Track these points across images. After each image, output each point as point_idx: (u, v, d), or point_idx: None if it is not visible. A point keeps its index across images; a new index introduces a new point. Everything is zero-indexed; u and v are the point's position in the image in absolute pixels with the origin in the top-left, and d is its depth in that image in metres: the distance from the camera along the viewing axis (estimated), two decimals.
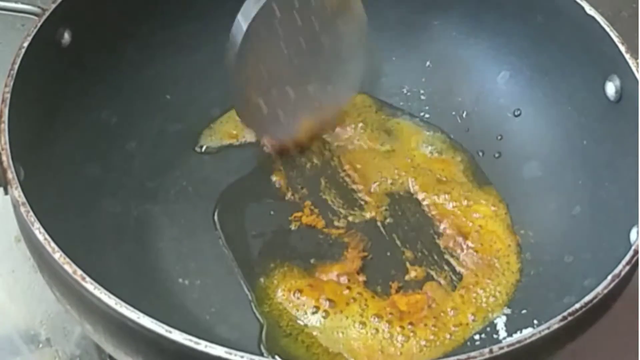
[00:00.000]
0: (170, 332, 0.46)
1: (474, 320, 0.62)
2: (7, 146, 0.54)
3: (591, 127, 0.65)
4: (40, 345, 0.64)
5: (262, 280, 0.63)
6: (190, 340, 0.46)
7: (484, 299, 0.63)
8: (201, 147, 0.71)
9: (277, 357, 0.59)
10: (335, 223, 0.67)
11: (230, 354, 0.45)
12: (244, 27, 0.61)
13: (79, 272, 0.49)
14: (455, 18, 0.73)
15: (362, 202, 0.69)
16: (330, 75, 0.69)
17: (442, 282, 0.64)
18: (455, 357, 0.46)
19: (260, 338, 0.60)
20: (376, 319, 0.61)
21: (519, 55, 0.71)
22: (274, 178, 0.70)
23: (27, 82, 0.58)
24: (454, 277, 0.64)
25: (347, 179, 0.70)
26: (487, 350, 0.46)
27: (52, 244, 0.50)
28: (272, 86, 0.65)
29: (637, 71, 0.59)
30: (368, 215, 0.68)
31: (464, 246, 0.66)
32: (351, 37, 0.67)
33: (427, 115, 0.74)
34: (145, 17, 0.68)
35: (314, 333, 0.61)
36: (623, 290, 0.52)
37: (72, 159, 0.63)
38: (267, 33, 0.62)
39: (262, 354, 0.59)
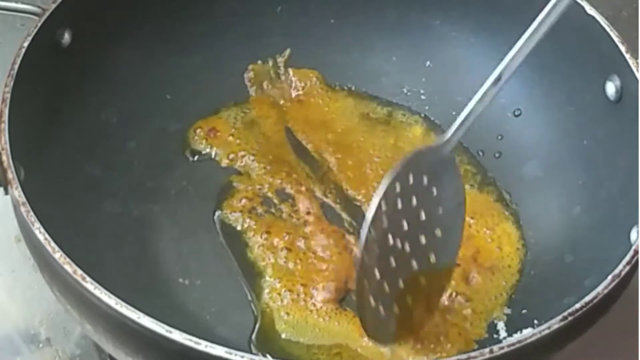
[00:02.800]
0: (170, 332, 0.46)
1: (472, 321, 0.62)
2: (7, 146, 0.54)
3: (591, 127, 0.65)
4: (40, 345, 0.64)
5: (262, 279, 0.63)
6: (191, 340, 0.46)
7: (484, 299, 0.63)
8: (200, 147, 0.71)
9: (276, 357, 0.59)
10: (335, 224, 0.67)
11: (231, 354, 0.45)
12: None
13: (79, 272, 0.49)
14: (455, 18, 0.73)
15: (362, 204, 0.69)
16: (432, 249, 0.58)
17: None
18: (456, 357, 0.47)
19: (251, 338, 0.60)
20: None
21: None
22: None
23: (27, 82, 0.58)
24: (453, 277, 0.64)
25: (346, 179, 0.70)
26: (487, 350, 0.47)
27: (52, 244, 0.50)
28: (386, 285, 0.56)
29: (637, 71, 0.59)
30: None
31: (464, 246, 0.66)
32: (448, 205, 0.58)
33: (427, 115, 0.74)
34: (145, 17, 0.68)
35: (314, 332, 0.61)
36: (623, 290, 0.52)
37: (72, 158, 0.63)
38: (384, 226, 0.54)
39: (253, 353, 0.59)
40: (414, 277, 0.57)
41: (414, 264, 0.57)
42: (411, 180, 0.56)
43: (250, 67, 0.75)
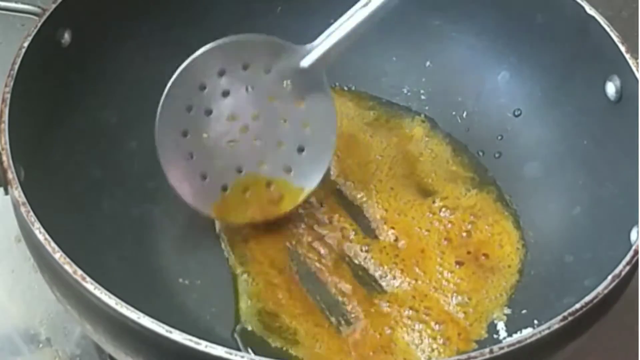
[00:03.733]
0: (170, 332, 0.46)
1: (472, 321, 0.62)
2: (7, 146, 0.54)
3: (591, 127, 0.65)
4: (40, 345, 0.64)
5: None
6: (191, 341, 0.46)
7: (484, 299, 0.63)
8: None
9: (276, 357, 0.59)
10: (335, 222, 0.67)
11: (231, 354, 0.45)
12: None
13: (79, 272, 0.49)
14: (455, 18, 0.73)
15: (362, 204, 0.69)
16: (290, 162, 0.64)
17: (443, 281, 0.64)
18: (456, 357, 0.46)
19: (233, 336, 0.60)
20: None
21: (519, 55, 0.71)
22: None
23: (27, 82, 0.58)
24: (454, 277, 0.64)
25: (346, 180, 0.70)
26: (487, 350, 0.46)
27: (52, 244, 0.50)
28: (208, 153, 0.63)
29: (637, 71, 0.59)
30: (370, 218, 0.68)
31: (464, 246, 0.66)
32: (317, 129, 0.64)
33: (427, 115, 0.74)
34: (145, 17, 0.68)
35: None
36: (623, 291, 0.52)
37: (72, 158, 0.63)
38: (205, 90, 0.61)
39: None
40: (256, 175, 0.64)
41: (262, 161, 0.64)
42: (262, 69, 0.61)
43: None
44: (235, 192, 0.64)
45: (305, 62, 0.62)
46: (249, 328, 0.60)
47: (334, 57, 0.62)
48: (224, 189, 0.63)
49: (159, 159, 0.62)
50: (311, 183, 0.65)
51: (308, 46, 0.62)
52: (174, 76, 0.60)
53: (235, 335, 0.60)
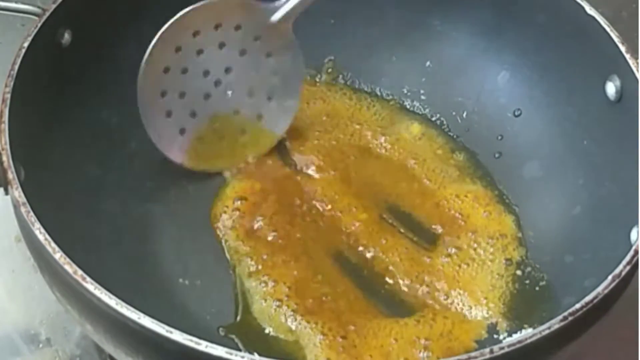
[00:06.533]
0: (171, 332, 0.46)
1: (472, 321, 0.62)
2: (7, 146, 0.54)
3: (591, 127, 0.65)
4: (40, 345, 0.64)
5: None
6: (191, 341, 0.46)
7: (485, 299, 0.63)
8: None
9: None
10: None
11: (231, 354, 0.45)
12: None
13: (80, 272, 0.49)
14: (455, 18, 0.73)
15: (360, 204, 0.69)
16: (262, 109, 0.69)
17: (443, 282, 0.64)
18: (456, 357, 0.46)
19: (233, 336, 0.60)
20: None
21: (519, 55, 0.71)
22: None
23: (27, 82, 0.58)
24: (455, 276, 0.64)
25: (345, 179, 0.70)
26: (487, 350, 0.46)
27: (53, 244, 0.50)
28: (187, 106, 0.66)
29: (637, 71, 0.59)
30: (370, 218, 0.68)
31: (465, 246, 0.66)
32: (285, 75, 0.68)
33: (427, 115, 0.74)
34: (145, 17, 0.68)
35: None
36: (623, 291, 0.52)
37: (72, 159, 0.63)
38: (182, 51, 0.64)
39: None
40: (229, 118, 0.68)
41: (235, 110, 0.68)
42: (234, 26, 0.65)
43: None
44: (211, 140, 0.68)
45: (275, 18, 0.65)
46: (259, 329, 0.60)
47: (300, 11, 0.65)
48: (200, 139, 0.67)
49: (142, 119, 0.64)
50: (280, 129, 0.70)
51: (276, 3, 0.65)
52: (152, 43, 0.63)
53: (235, 335, 0.60)
